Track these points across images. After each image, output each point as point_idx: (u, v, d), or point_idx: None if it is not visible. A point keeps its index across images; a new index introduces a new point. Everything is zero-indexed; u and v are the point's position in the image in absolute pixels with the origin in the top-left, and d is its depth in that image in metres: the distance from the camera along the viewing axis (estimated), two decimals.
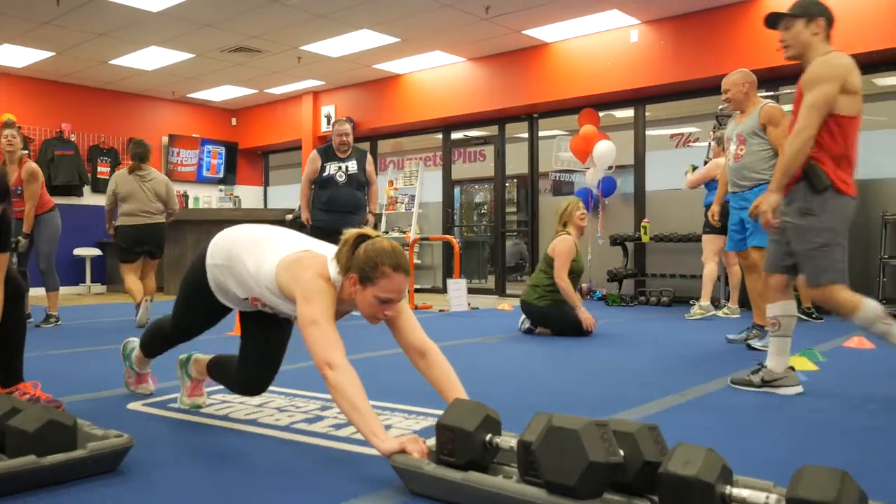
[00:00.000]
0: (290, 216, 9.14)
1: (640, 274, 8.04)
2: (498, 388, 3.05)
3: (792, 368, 3.06)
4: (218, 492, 1.79)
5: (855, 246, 6.40)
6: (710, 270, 6.01)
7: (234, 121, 12.23)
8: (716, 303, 6.39)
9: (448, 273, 9.30)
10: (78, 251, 9.81)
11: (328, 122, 10.78)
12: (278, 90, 10.85)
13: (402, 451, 1.75)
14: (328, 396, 2.83)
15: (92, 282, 10.15)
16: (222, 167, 11.98)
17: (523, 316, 5.15)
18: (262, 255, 2.19)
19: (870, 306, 2.75)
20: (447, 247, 9.49)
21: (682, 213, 7.64)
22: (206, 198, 11.51)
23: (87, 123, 10.42)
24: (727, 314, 6.11)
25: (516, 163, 9.67)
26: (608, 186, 8.15)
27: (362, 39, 8.31)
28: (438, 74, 9.57)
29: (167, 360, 2.88)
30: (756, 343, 4.22)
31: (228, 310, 2.45)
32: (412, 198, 10.26)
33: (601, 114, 8.46)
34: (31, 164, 5.38)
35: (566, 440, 1.48)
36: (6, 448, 1.81)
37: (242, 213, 10.06)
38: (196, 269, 2.39)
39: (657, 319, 6.16)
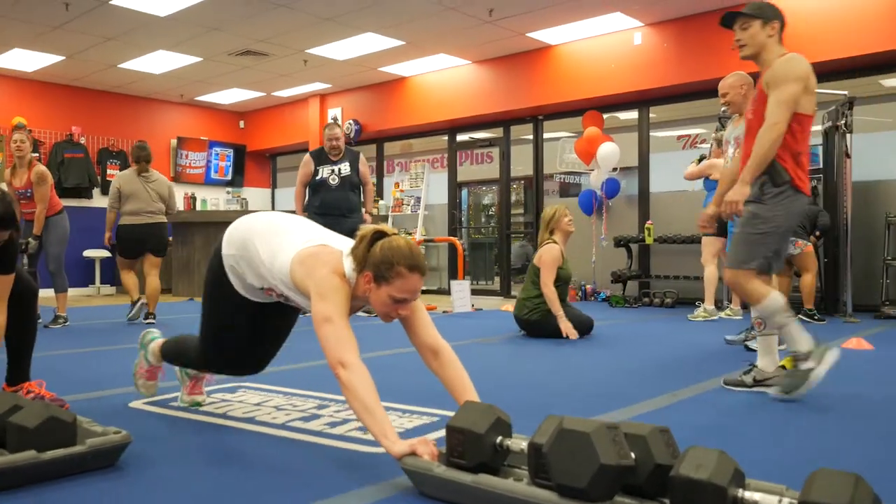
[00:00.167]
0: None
1: (643, 275, 8.06)
2: (490, 388, 3.09)
3: (783, 367, 3.09)
4: (212, 487, 1.85)
5: (858, 247, 6.45)
6: (710, 273, 6.03)
7: (242, 123, 12.33)
8: (719, 304, 6.40)
9: (453, 275, 9.35)
10: (87, 253, 9.91)
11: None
12: (285, 93, 10.93)
13: (413, 454, 1.75)
14: (326, 395, 2.90)
15: (101, 283, 10.26)
16: (230, 169, 12.08)
17: None
18: (277, 246, 2.17)
19: (775, 298, 2.85)
20: (452, 248, 9.54)
21: (686, 215, 7.65)
22: (214, 200, 11.61)
23: (96, 126, 10.54)
24: (729, 315, 6.13)
25: (523, 164, 9.71)
26: (612, 188, 8.17)
27: (368, 43, 8.38)
28: (444, 77, 9.63)
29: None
30: (753, 344, 4.24)
31: (259, 322, 2.40)
32: (418, 199, 10.32)
33: (605, 116, 8.50)
34: (40, 167, 5.48)
35: (577, 443, 1.48)
36: (7, 443, 1.87)
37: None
38: (214, 260, 2.36)
39: (659, 321, 6.18)
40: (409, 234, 9.92)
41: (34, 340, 2.85)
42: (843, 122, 6.12)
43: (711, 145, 6.33)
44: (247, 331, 2.40)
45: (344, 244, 2.16)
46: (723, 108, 6.46)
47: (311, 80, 10.21)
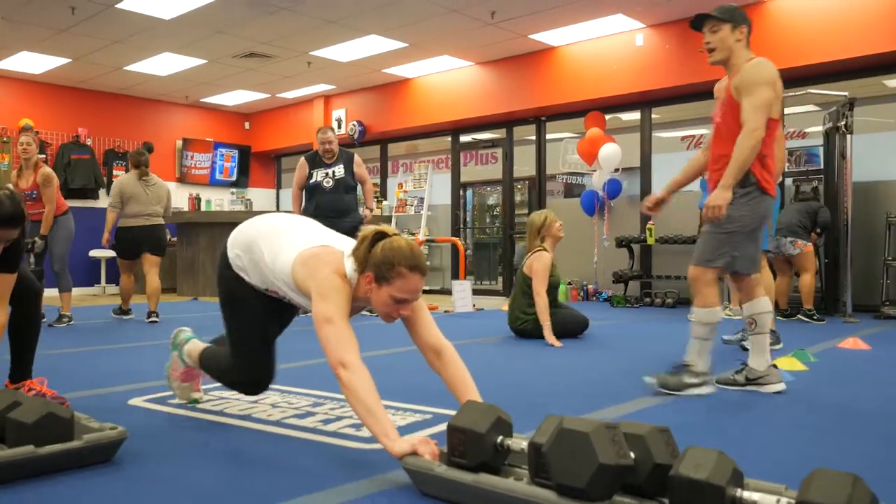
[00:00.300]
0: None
1: (645, 275, 8.08)
2: (489, 387, 3.12)
3: (774, 366, 3.12)
4: (205, 482, 1.89)
5: (858, 247, 6.46)
6: None
7: (247, 124, 12.41)
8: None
9: (455, 275, 9.40)
10: (93, 253, 10.00)
11: (339, 126, 10.92)
12: (290, 94, 11.00)
13: (414, 453, 1.76)
14: (321, 393, 2.94)
15: (107, 283, 10.34)
16: (235, 170, 12.16)
17: None
18: (278, 247, 2.19)
19: (716, 313, 2.95)
20: (455, 249, 9.58)
21: (688, 216, 7.66)
22: (218, 200, 11.68)
23: (102, 128, 10.63)
24: (729, 315, 6.14)
25: (527, 165, 9.74)
26: (614, 188, 8.20)
27: (371, 45, 8.43)
28: (447, 78, 9.67)
29: (160, 358, 2.98)
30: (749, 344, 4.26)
31: (275, 313, 2.39)
32: (421, 200, 10.37)
33: (608, 117, 8.53)
34: (46, 169, 5.56)
35: (576, 442, 1.49)
36: (6, 439, 1.92)
37: (253, 215, 10.17)
38: (221, 264, 2.39)
39: (660, 321, 6.20)
40: (413, 234, 9.97)
41: (37, 339, 2.90)
42: (843, 122, 6.13)
43: (707, 146, 6.35)
44: (265, 327, 2.38)
45: (345, 245, 2.17)
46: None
47: (315, 82, 10.27)
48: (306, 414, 2.62)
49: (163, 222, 6.20)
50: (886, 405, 2.84)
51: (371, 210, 6.20)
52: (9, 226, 2.47)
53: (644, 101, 8.30)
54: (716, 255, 2.96)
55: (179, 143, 11.49)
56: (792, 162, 7.29)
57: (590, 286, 8.48)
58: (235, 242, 2.35)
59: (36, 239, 5.43)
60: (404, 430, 2.33)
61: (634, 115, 8.60)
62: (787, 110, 7.49)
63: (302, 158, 6.22)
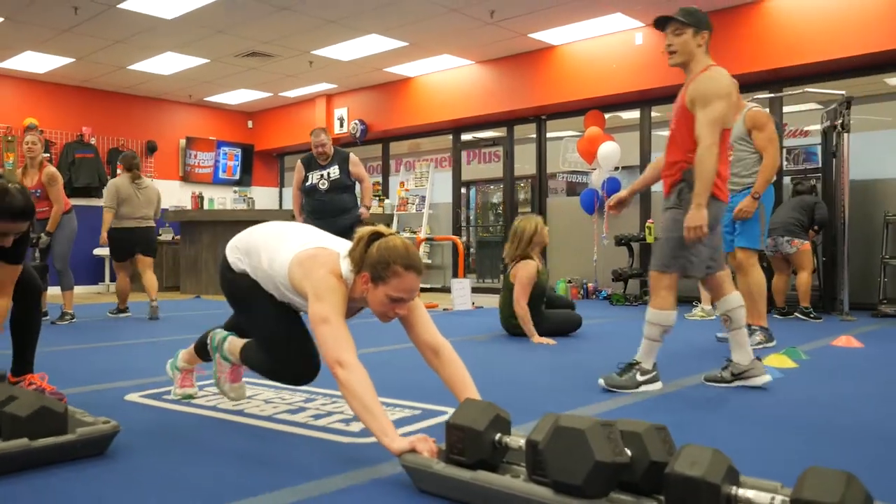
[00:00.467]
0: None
1: (644, 274, 8.09)
2: (486, 385, 3.17)
3: (758, 359, 3.16)
4: (194, 474, 1.94)
5: (856, 245, 6.48)
6: None
7: (250, 123, 12.47)
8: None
9: (456, 273, 9.43)
10: (97, 251, 10.07)
11: (341, 125, 10.97)
12: (292, 93, 11.05)
13: (413, 451, 1.77)
14: (314, 389, 2.99)
15: (110, 281, 10.41)
16: (238, 169, 12.22)
17: None
18: (275, 250, 2.22)
19: (669, 316, 3.00)
20: (456, 247, 9.61)
21: None
22: (221, 199, 11.75)
23: (106, 127, 10.71)
24: (703, 316, 6.17)
25: (529, 164, 9.77)
26: (613, 187, 8.22)
27: (372, 44, 8.47)
28: (448, 77, 9.71)
29: (158, 355, 3.03)
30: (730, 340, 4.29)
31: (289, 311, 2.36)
32: (423, 198, 10.42)
33: (607, 115, 8.55)
34: (51, 168, 5.64)
35: (573, 440, 1.50)
36: (1, 432, 1.97)
37: (256, 213, 10.26)
38: (223, 268, 2.42)
39: None
40: (415, 232, 10.02)
41: (38, 335, 2.97)
42: (840, 121, 6.15)
43: None
44: (287, 319, 2.33)
45: (341, 246, 2.19)
46: None
47: (317, 81, 10.32)
48: (298, 409, 2.67)
49: (153, 224, 6.44)
50: (873, 402, 2.88)
51: (367, 208, 6.22)
52: (20, 219, 2.53)
53: (643, 100, 8.32)
54: (672, 261, 3.00)
55: (183, 141, 11.56)
56: (791, 160, 7.31)
57: (589, 284, 8.51)
58: (235, 248, 2.40)
59: (41, 235, 5.53)
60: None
61: (634, 114, 8.62)
62: (788, 108, 7.53)
63: (298, 161, 6.28)
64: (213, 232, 9.41)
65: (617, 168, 8.22)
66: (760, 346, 4.21)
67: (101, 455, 2.06)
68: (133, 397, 2.91)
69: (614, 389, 3.00)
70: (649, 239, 7.85)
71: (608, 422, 1.56)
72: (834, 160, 6.42)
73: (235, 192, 12.01)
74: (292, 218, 9.38)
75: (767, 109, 7.23)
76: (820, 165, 6.88)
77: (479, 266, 11.47)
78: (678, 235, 2.96)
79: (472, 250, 11.17)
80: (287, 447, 2.21)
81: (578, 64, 8.41)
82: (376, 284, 2.01)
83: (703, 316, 6.04)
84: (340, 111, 11.01)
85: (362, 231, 2.09)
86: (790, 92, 7.04)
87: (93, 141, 10.47)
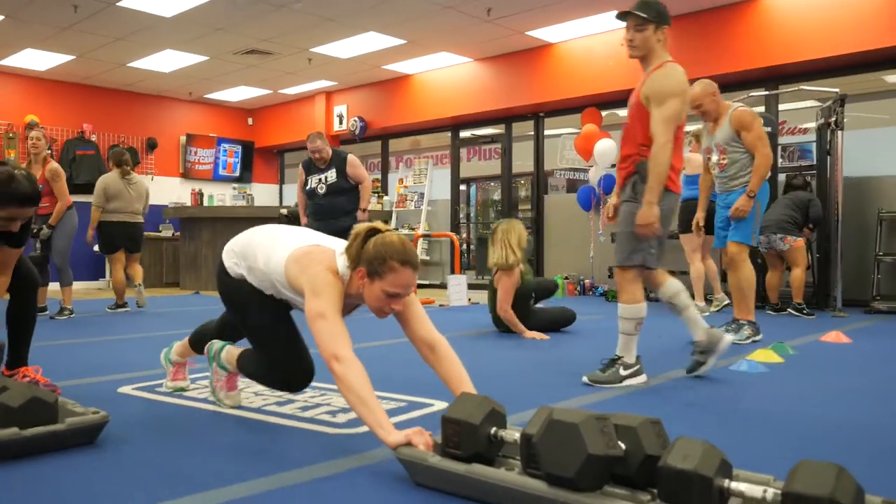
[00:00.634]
0: (284, 210, 9.45)
1: None
2: (477, 378, 3.21)
3: (731, 324, 3.22)
4: (181, 462, 1.99)
5: (850, 242, 6.51)
6: (695, 269, 6.11)
7: (250, 120, 12.52)
8: (708, 300, 6.48)
9: (453, 269, 9.47)
10: (98, 247, 10.12)
11: (340, 122, 11.02)
12: (292, 90, 11.10)
13: (408, 444, 1.78)
14: None
15: (111, 277, 10.46)
16: (238, 165, 12.28)
17: None
18: (271, 249, 2.25)
19: (641, 309, 3.08)
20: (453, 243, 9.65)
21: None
22: (221, 195, 11.82)
23: (107, 124, 10.77)
24: (717, 307, 6.23)
25: (529, 161, 9.80)
26: (609, 184, 8.25)
27: (370, 41, 8.52)
28: (446, 74, 9.75)
29: (153, 349, 3.08)
30: (734, 336, 4.31)
31: (285, 315, 2.39)
32: (421, 195, 10.46)
33: (605, 113, 8.58)
34: (54, 164, 5.73)
35: (566, 433, 1.51)
36: None
37: (256, 210, 10.32)
38: (220, 272, 2.45)
39: (651, 315, 6.17)
40: (413, 229, 10.07)
41: (33, 328, 3.02)
42: (833, 119, 6.18)
43: (690, 141, 6.42)
44: (283, 326, 2.36)
45: (337, 244, 2.22)
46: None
47: (316, 78, 10.37)
48: (287, 401, 2.72)
49: (142, 220, 6.61)
50: (855, 396, 2.92)
51: (363, 210, 6.26)
52: (27, 204, 2.62)
53: None
54: (632, 254, 3.06)
55: (183, 138, 11.62)
56: (786, 157, 7.34)
57: (586, 281, 8.55)
58: (231, 252, 2.42)
59: (43, 227, 5.64)
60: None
61: None
62: (786, 106, 7.55)
63: (300, 165, 6.39)
64: (212, 228, 9.47)
65: (613, 165, 8.24)
66: (749, 341, 4.26)
67: (91, 444, 2.11)
68: (126, 390, 2.96)
69: (598, 385, 3.04)
70: None
71: (602, 415, 1.57)
72: (828, 157, 6.45)
73: (234, 188, 12.07)
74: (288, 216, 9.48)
75: (763, 108, 7.31)
76: (815, 162, 6.91)
77: (479, 262, 11.51)
78: (634, 228, 3.02)
79: (472, 247, 11.21)
80: (274, 437, 2.26)
81: (575, 61, 8.45)
82: (372, 280, 2.03)
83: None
84: (340, 108, 11.06)
85: (359, 227, 2.11)
86: (785, 89, 7.08)
87: (93, 138, 10.54)
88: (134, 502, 1.67)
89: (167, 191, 11.32)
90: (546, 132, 9.48)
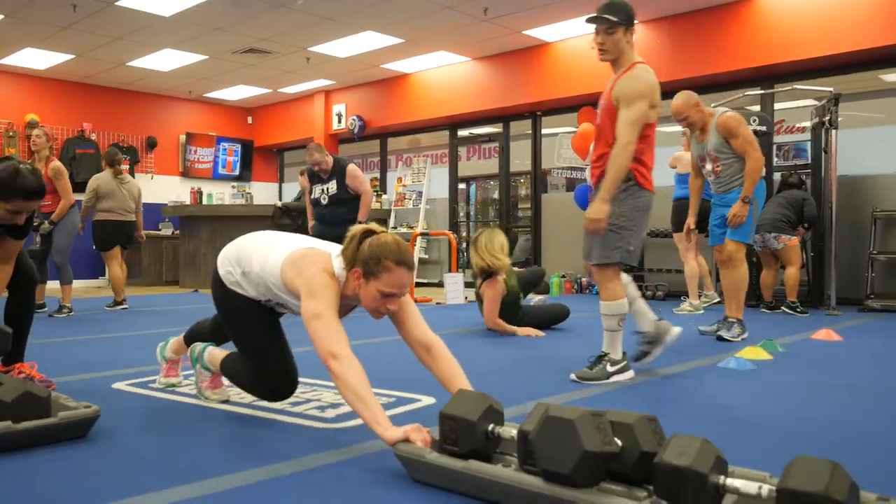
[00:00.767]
0: (279, 202, 9.53)
1: (637, 269, 8.16)
2: (472, 375, 3.25)
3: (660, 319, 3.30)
4: (171, 456, 2.03)
5: (844, 241, 6.54)
6: (689, 268, 6.15)
7: (250, 119, 12.57)
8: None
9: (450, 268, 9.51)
10: (94, 246, 10.18)
11: (339, 121, 11.06)
12: (291, 89, 11.14)
13: (406, 440, 1.79)
14: (299, 379, 3.07)
15: (108, 274, 10.52)
16: (238, 164, 12.33)
17: None
18: (267, 253, 2.27)
19: (624, 305, 3.12)
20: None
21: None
22: (220, 194, 11.87)
23: (107, 123, 10.83)
24: (707, 302, 6.26)
25: (528, 159, 9.83)
26: None
27: (368, 41, 8.56)
28: (444, 73, 9.78)
29: (149, 346, 3.12)
30: (726, 334, 4.37)
31: (277, 326, 2.45)
32: (420, 194, 10.50)
33: None
34: (57, 162, 5.79)
35: (562, 430, 1.51)
36: None
37: (254, 208, 10.36)
38: (215, 282, 2.46)
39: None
40: (411, 227, 10.10)
41: (30, 325, 3.07)
42: (827, 118, 6.21)
43: (683, 140, 6.46)
44: (273, 337, 2.41)
45: (332, 247, 2.25)
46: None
47: (315, 77, 10.41)
48: None
49: (133, 220, 6.70)
50: (839, 393, 2.95)
51: (360, 223, 6.32)
52: (33, 197, 2.68)
53: None
54: (611, 252, 3.09)
55: (183, 137, 11.67)
56: (781, 156, 7.37)
57: (583, 279, 8.59)
58: (225, 259, 2.43)
59: (45, 222, 5.72)
60: None
61: None
62: (784, 105, 7.57)
63: (304, 173, 6.53)
64: (211, 227, 9.51)
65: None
66: (739, 339, 4.30)
67: (82, 438, 2.16)
68: (120, 385, 3.01)
69: (586, 382, 3.08)
70: None
71: (598, 412, 1.57)
72: (825, 156, 6.48)
73: (233, 187, 12.12)
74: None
75: (759, 107, 7.34)
76: (810, 161, 6.94)
77: None
78: (613, 227, 3.06)
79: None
80: (264, 431, 2.30)
81: (572, 61, 8.48)
82: (368, 280, 2.06)
83: (690, 310, 6.11)
84: (339, 107, 11.10)
85: (354, 229, 2.14)
86: (779, 89, 7.10)
87: (93, 137, 10.59)
88: (122, 492, 1.71)
89: (167, 189, 11.38)
90: (543, 131, 9.51)
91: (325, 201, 6.28)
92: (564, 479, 1.50)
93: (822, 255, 6.47)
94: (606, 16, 3.06)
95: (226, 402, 2.66)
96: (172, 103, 11.63)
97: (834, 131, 6.20)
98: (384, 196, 10.95)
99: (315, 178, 6.37)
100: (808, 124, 7.13)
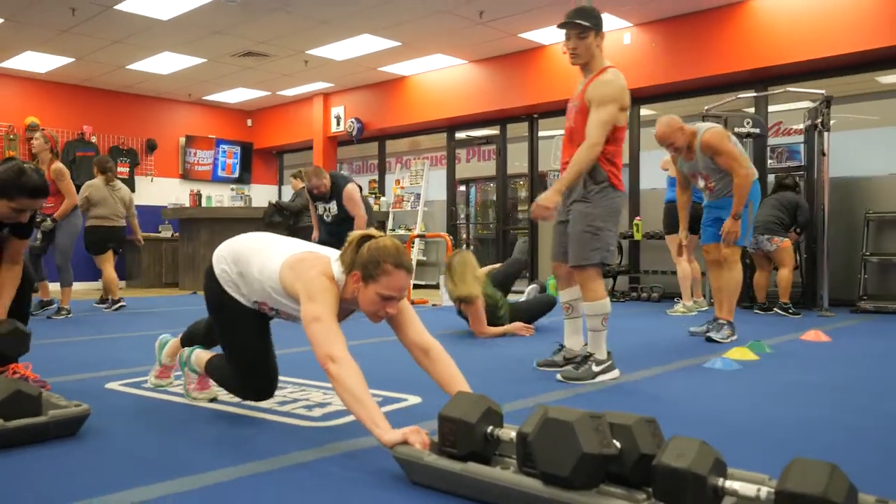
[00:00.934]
0: (273, 200, 9.60)
1: (633, 270, 8.22)
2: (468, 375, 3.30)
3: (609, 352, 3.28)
4: (158, 453, 2.08)
5: (837, 243, 6.58)
6: (682, 270, 6.19)
7: (249, 122, 12.63)
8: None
9: None
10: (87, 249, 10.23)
11: (338, 123, 11.12)
12: (290, 92, 11.20)
13: (405, 443, 1.79)
14: (284, 379, 3.12)
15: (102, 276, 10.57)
16: (237, 167, 12.39)
17: None
18: (266, 256, 2.27)
19: (607, 304, 3.16)
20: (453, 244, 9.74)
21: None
22: (219, 196, 11.93)
23: (107, 125, 10.89)
24: (696, 306, 6.30)
25: (525, 162, 9.88)
26: None
27: (365, 44, 8.61)
28: (441, 76, 9.84)
29: (143, 347, 3.17)
30: (715, 335, 4.41)
31: (266, 331, 2.47)
32: (418, 196, 10.55)
33: None
34: (58, 164, 5.86)
35: (561, 432, 1.51)
36: None
37: (253, 210, 10.41)
38: (208, 280, 2.46)
39: (640, 315, 6.34)
40: (410, 230, 10.15)
41: (26, 325, 3.11)
42: (819, 120, 6.25)
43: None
44: (262, 341, 2.45)
45: (331, 252, 2.27)
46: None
47: (313, 80, 10.46)
48: None
49: (125, 224, 6.85)
50: (824, 392, 2.99)
51: None
52: (37, 195, 2.77)
53: (632, 99, 8.37)
54: (591, 254, 3.14)
55: (182, 140, 11.73)
56: (774, 158, 7.41)
57: None
58: (221, 257, 2.43)
59: (46, 218, 5.80)
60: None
61: None
62: (779, 107, 7.61)
63: (297, 178, 6.62)
64: (210, 229, 9.57)
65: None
66: (728, 340, 4.33)
67: (73, 436, 2.20)
68: (113, 385, 3.06)
69: (571, 382, 3.12)
70: (637, 236, 7.97)
71: (597, 414, 1.57)
72: (822, 157, 6.51)
73: (232, 189, 12.18)
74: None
75: (752, 109, 7.37)
76: (803, 163, 6.98)
77: (478, 262, 11.57)
78: (590, 229, 3.11)
79: (471, 247, 11.29)
80: (251, 430, 2.34)
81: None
82: (367, 283, 2.07)
83: (683, 312, 6.15)
84: (337, 109, 11.16)
85: (353, 234, 2.16)
86: (773, 91, 7.14)
87: (93, 139, 10.65)
88: (111, 487, 1.76)
89: (166, 192, 11.45)
90: (540, 133, 9.56)
91: (328, 218, 6.45)
92: (563, 482, 1.51)
93: (814, 256, 6.51)
94: (578, 21, 3.15)
95: (213, 400, 2.71)
96: (172, 106, 11.69)
97: (826, 133, 6.23)
98: (382, 198, 11.00)
99: (317, 197, 6.48)
100: (800, 126, 7.17)
